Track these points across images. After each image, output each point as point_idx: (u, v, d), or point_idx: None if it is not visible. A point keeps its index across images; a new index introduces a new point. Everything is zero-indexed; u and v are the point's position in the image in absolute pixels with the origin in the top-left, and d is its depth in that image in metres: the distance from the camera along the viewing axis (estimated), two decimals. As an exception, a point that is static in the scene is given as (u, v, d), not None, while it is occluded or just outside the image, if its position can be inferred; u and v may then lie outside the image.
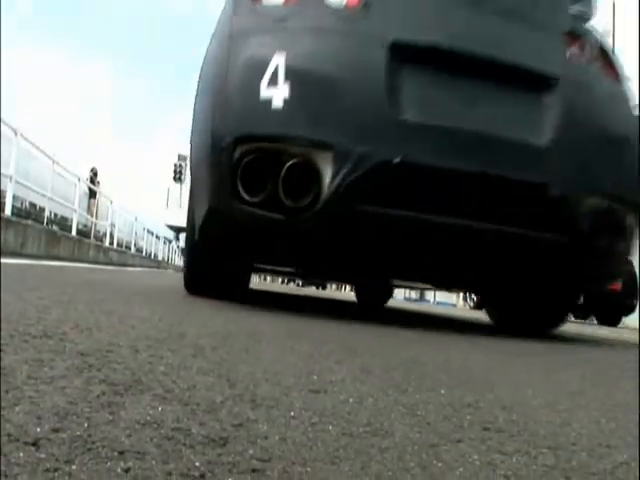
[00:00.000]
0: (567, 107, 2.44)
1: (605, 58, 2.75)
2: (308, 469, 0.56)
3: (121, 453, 0.53)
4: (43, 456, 0.50)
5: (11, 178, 9.13)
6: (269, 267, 4.44)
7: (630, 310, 10.67)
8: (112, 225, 17.81)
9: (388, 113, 2.22)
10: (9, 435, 0.53)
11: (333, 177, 2.17)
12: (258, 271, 5.65)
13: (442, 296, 23.65)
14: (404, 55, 2.29)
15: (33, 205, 13.55)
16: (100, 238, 17.43)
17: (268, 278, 28.79)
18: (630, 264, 10.75)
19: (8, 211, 8.73)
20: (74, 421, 0.60)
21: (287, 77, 2.18)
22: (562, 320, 3.38)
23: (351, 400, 0.88)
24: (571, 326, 6.81)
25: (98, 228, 18.27)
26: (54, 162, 11.71)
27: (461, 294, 18.00)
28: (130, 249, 21.29)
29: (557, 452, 0.73)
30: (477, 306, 13.96)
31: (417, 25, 2.40)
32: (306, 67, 2.23)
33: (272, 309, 2.99)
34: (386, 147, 2.19)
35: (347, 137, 2.18)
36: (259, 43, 2.31)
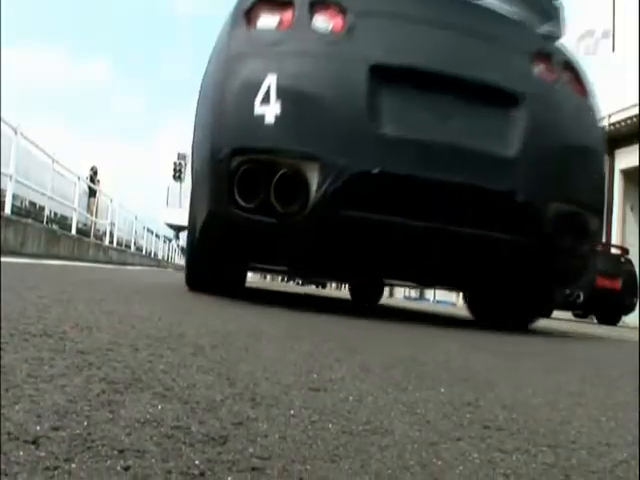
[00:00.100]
0: (533, 121, 2.66)
1: (573, 74, 2.97)
2: (308, 467, 0.56)
3: (121, 451, 0.53)
4: (43, 454, 0.50)
5: (11, 177, 9.12)
6: (264, 266, 4.79)
7: (630, 309, 10.67)
8: (112, 224, 17.79)
9: (368, 128, 2.46)
10: (9, 433, 0.53)
11: (319, 185, 2.42)
12: (254, 270, 6.11)
13: (442, 295, 23.66)
14: (383, 75, 2.52)
15: (33, 204, 13.55)
16: (100, 237, 17.43)
17: (268, 277, 28.84)
18: (630, 263, 10.78)
19: (8, 210, 8.73)
20: (74, 419, 0.60)
21: (278, 96, 2.43)
22: (538, 315, 3.60)
23: (351, 398, 0.88)
24: (569, 324, 6.81)
25: (98, 227, 18.27)
26: (54, 161, 11.71)
27: (461, 293, 17.99)
28: (130, 248, 21.29)
29: (557, 450, 0.73)
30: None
31: (395, 48, 2.62)
32: (295, 87, 2.48)
33: (270, 307, 3.00)
34: (367, 159, 2.44)
35: (332, 150, 2.42)
36: (253, 65, 2.56)
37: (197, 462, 0.53)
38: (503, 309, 3.62)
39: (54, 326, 1.18)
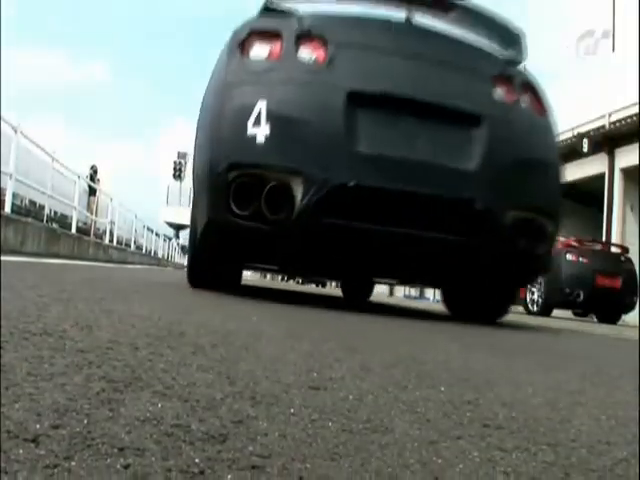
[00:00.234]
0: (491, 139, 2.99)
1: (533, 95, 3.30)
2: (308, 466, 0.56)
3: (121, 450, 0.53)
4: (43, 453, 0.50)
5: (11, 176, 9.12)
6: (259, 265, 5.31)
7: (630, 308, 10.66)
8: (112, 222, 17.79)
9: (345, 146, 2.80)
10: (9, 432, 0.53)
11: (303, 196, 2.75)
12: (250, 269, 6.75)
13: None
14: (359, 100, 2.86)
15: (33, 202, 13.55)
16: (100, 235, 17.43)
17: (268, 276, 28.86)
18: (630, 262, 10.78)
19: (8, 208, 8.73)
20: (74, 418, 0.60)
21: (268, 119, 2.77)
22: (505, 311, 3.95)
23: (351, 397, 0.88)
24: (568, 323, 6.82)
25: (98, 225, 18.27)
26: (53, 160, 11.71)
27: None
28: (130, 246, 21.29)
29: (557, 449, 0.73)
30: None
31: (369, 76, 2.96)
32: (282, 111, 2.82)
33: (269, 305, 3.02)
34: (344, 173, 2.77)
35: (313, 165, 2.76)
36: (246, 91, 2.90)
37: (197, 460, 0.53)
38: (473, 305, 3.96)
39: (54, 325, 1.18)
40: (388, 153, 2.84)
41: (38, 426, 0.56)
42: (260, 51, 2.98)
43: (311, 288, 19.17)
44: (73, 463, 0.49)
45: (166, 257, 33.09)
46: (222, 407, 0.73)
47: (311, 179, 2.74)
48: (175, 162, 48.96)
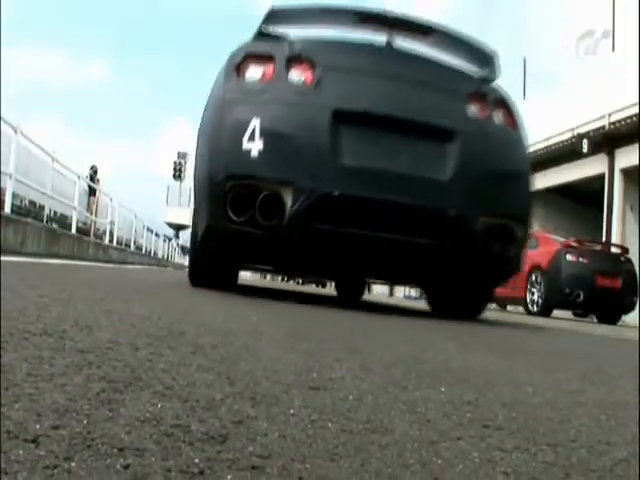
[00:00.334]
0: (464, 152, 3.26)
1: (506, 110, 3.58)
2: (308, 466, 0.56)
3: (120, 450, 0.53)
4: (42, 453, 0.50)
5: (11, 176, 9.12)
6: (255, 266, 5.66)
7: (630, 308, 10.65)
8: (112, 223, 17.78)
9: (331, 159, 3.08)
10: (9, 432, 0.53)
11: (293, 204, 3.03)
12: (248, 270, 7.22)
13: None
14: (343, 118, 3.14)
15: (33, 203, 13.55)
16: (100, 236, 17.42)
17: (268, 277, 28.85)
18: (630, 262, 10.78)
19: (8, 209, 8.73)
20: (74, 418, 0.60)
21: (261, 135, 3.05)
22: (481, 309, 4.23)
23: (351, 397, 0.88)
24: (567, 323, 6.82)
25: (98, 226, 18.26)
26: (53, 160, 11.70)
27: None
28: (130, 247, 21.28)
29: (557, 449, 0.73)
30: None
31: (353, 96, 3.24)
32: (275, 128, 3.10)
33: (269, 305, 3.03)
34: (329, 183, 3.05)
35: (302, 177, 3.04)
36: (242, 110, 3.17)
37: (197, 461, 0.53)
38: (452, 303, 4.26)
39: (54, 325, 1.18)
40: (370, 165, 3.13)
41: (38, 426, 0.56)
42: (254, 73, 3.27)
43: (311, 288, 19.17)
44: (73, 463, 0.49)
45: (166, 257, 33.11)
46: (222, 407, 0.73)
47: (300, 189, 3.02)
48: (175, 162, 48.95)
